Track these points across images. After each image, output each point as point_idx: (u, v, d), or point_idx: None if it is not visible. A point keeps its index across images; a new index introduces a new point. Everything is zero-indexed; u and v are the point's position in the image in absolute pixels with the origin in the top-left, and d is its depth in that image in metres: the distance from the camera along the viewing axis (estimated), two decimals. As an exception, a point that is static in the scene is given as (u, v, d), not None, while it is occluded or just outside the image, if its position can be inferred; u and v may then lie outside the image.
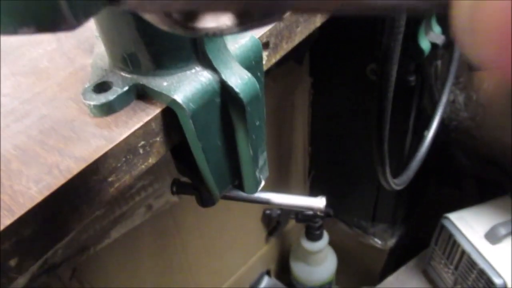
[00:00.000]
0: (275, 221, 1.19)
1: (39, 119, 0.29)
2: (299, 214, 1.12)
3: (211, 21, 0.14)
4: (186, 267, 1.04)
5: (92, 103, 0.28)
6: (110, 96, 0.29)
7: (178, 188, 0.42)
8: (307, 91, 1.04)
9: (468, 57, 0.09)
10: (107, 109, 0.29)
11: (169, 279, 0.99)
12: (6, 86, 0.33)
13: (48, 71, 0.34)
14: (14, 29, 0.13)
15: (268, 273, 1.28)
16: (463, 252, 0.92)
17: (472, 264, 0.90)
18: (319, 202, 0.41)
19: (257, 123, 0.32)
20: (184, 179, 0.42)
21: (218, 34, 0.15)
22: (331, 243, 1.21)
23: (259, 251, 1.23)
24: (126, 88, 0.29)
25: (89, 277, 0.78)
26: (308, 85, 1.02)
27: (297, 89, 1.01)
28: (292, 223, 1.24)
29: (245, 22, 0.14)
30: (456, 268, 0.97)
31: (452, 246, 0.96)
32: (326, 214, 1.14)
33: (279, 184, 1.14)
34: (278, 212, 1.14)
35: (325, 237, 1.18)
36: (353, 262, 1.29)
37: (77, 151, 0.27)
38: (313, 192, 1.24)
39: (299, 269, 1.24)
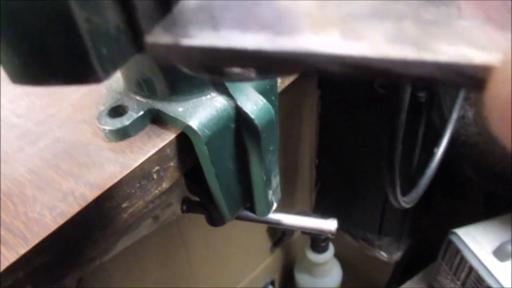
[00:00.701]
0: (280, 232, 1.19)
1: (53, 142, 0.29)
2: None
3: (235, 68, 0.14)
4: (191, 277, 1.04)
5: (107, 128, 0.28)
6: (125, 121, 0.28)
7: (188, 206, 0.42)
8: (315, 103, 1.03)
9: (499, 138, 0.09)
10: (122, 134, 0.28)
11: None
12: (20, 106, 0.33)
13: (62, 91, 0.34)
14: (44, 81, 0.12)
15: (272, 283, 1.27)
16: (471, 269, 0.91)
17: (480, 280, 0.89)
18: (330, 225, 0.40)
19: (271, 147, 0.32)
20: (194, 197, 0.42)
21: (243, 80, 0.15)
22: (337, 255, 1.20)
23: (264, 262, 1.23)
24: (141, 113, 0.29)
25: (95, 287, 0.78)
26: (316, 97, 1.02)
27: (305, 101, 1.01)
28: (297, 234, 1.23)
29: (267, 72, 0.14)
30: (463, 284, 0.96)
31: (459, 262, 0.95)
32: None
33: (284, 194, 1.14)
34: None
35: (331, 249, 1.17)
36: (359, 274, 1.28)
37: (91, 177, 0.26)
38: (319, 204, 1.23)
39: (303, 281, 1.23)
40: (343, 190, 1.17)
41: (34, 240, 0.23)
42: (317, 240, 1.14)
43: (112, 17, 0.12)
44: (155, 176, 0.29)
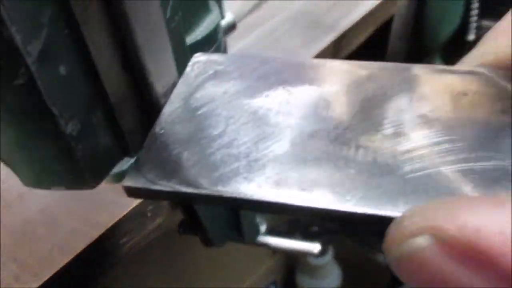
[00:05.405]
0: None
1: (62, 183, 0.33)
2: (306, 230, 1.15)
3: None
4: (193, 278, 1.07)
5: (108, 172, 0.32)
6: (124, 165, 0.32)
7: (185, 229, 0.46)
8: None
9: None
10: (121, 178, 0.32)
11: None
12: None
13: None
14: (48, 186, 0.16)
15: (275, 284, 1.31)
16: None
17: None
18: (313, 248, 0.44)
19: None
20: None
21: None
22: (337, 257, 1.24)
23: (266, 263, 1.26)
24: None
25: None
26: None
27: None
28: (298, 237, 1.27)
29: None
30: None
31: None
32: (333, 231, 1.17)
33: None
34: (286, 226, 1.17)
35: (330, 251, 1.21)
36: (359, 277, 1.32)
37: (95, 217, 0.30)
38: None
39: (304, 282, 1.27)
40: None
41: (45, 276, 0.27)
42: (316, 244, 1.17)
43: (103, 140, 0.16)
44: (149, 214, 0.33)
